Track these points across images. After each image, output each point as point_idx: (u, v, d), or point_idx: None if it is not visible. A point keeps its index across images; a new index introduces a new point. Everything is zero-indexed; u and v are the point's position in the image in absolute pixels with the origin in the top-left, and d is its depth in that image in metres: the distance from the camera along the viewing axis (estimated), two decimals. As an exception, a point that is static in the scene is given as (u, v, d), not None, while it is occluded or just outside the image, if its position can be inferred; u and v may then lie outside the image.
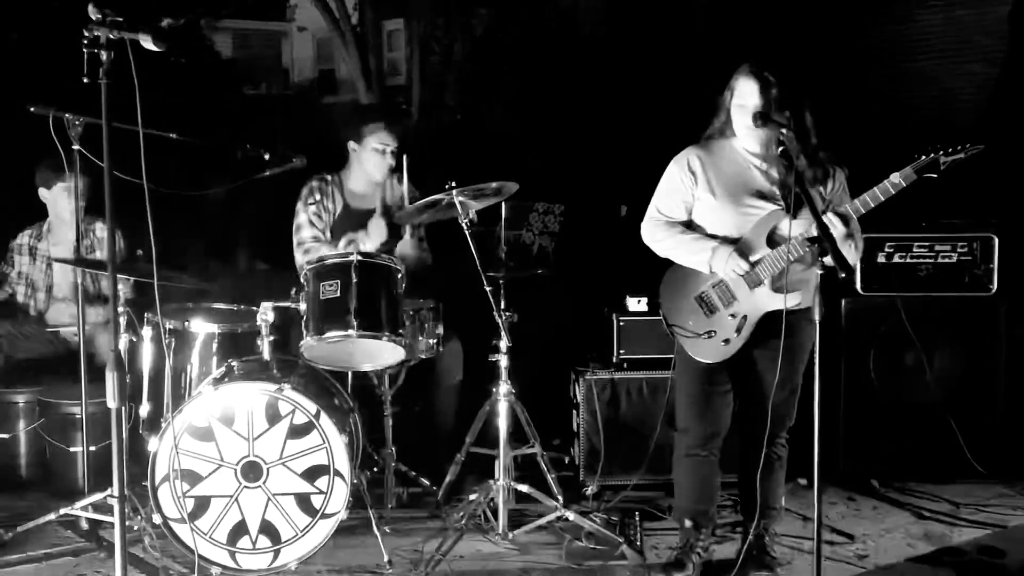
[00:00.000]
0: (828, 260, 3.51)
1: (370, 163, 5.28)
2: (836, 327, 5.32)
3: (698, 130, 4.22)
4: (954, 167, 3.78)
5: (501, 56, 12.14)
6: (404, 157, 5.13)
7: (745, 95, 3.96)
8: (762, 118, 3.85)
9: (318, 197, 5.29)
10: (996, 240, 5.34)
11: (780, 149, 3.80)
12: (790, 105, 3.91)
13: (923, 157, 3.77)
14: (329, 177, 5.34)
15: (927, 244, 5.38)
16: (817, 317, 3.56)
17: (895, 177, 3.79)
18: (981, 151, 3.76)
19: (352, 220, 5.29)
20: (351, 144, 5.31)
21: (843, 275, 3.53)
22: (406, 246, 5.24)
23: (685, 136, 4.28)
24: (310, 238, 5.22)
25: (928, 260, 5.37)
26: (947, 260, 5.37)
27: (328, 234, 5.27)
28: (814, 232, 3.61)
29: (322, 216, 5.28)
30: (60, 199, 5.48)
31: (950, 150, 3.75)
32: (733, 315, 4.10)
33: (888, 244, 5.37)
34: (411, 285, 4.74)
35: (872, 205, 3.84)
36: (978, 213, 5.51)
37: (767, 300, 4.03)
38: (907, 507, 5.16)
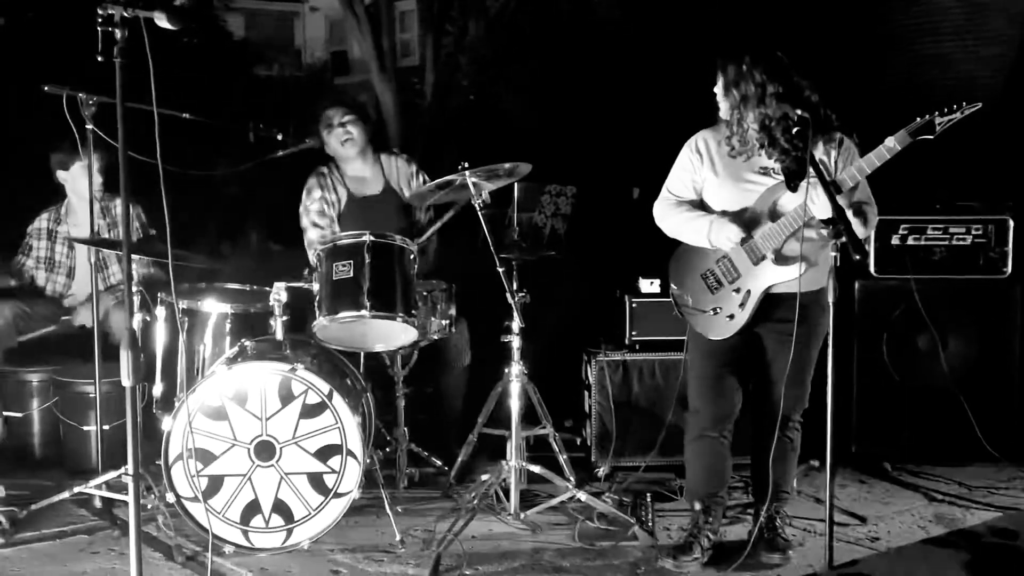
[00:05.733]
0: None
1: (333, 144, 5.30)
2: (849, 310, 5.31)
3: (712, 113, 4.21)
4: (972, 146, 3.74)
5: (515, 37, 12.11)
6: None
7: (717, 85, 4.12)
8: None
9: (319, 193, 5.29)
10: (1011, 223, 5.32)
11: (796, 130, 3.78)
12: (776, 73, 3.93)
13: (918, 119, 3.74)
14: (325, 169, 5.34)
15: (941, 226, 5.36)
16: (831, 299, 3.56)
17: (889, 141, 3.76)
18: (980, 110, 3.70)
19: (360, 207, 5.28)
20: (324, 139, 5.31)
21: (857, 256, 3.51)
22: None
23: (699, 119, 4.27)
24: (317, 239, 5.19)
25: (942, 242, 5.36)
26: (961, 243, 5.35)
27: (336, 227, 5.27)
28: (829, 213, 3.60)
29: (326, 211, 5.27)
30: (79, 179, 5.47)
31: (945, 110, 3.71)
32: (737, 290, 4.10)
33: (902, 226, 5.36)
34: (424, 267, 4.75)
35: (868, 171, 3.82)
36: (993, 195, 5.49)
37: (771, 274, 4.04)
38: (920, 490, 5.15)
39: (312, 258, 5.17)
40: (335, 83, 19.87)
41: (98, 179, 5.29)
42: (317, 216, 5.27)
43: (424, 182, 5.39)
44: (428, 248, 5.33)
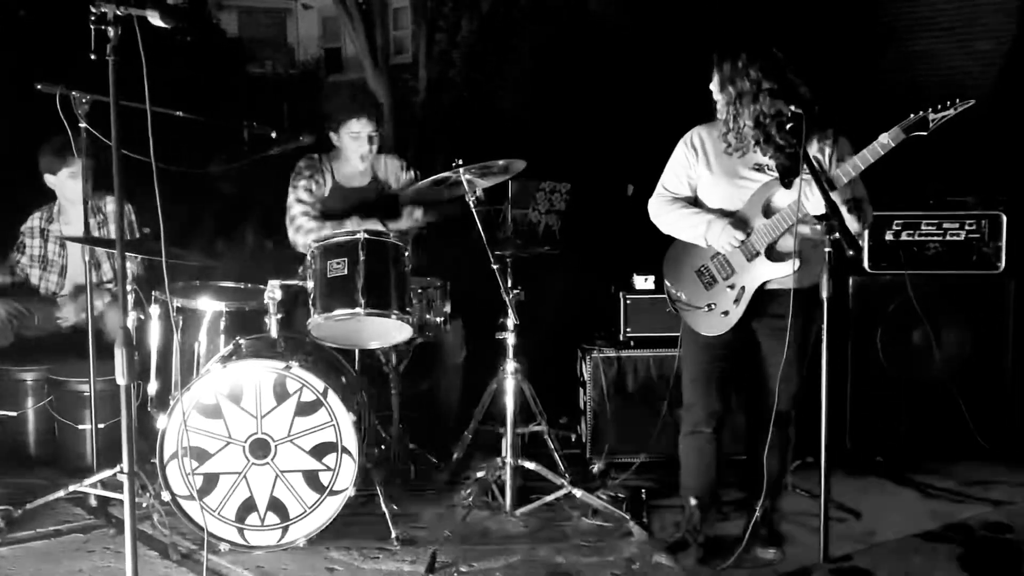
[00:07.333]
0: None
1: (349, 150, 5.26)
2: (843, 305, 5.32)
3: (707, 109, 4.21)
4: (965, 142, 3.74)
5: (508, 33, 12.11)
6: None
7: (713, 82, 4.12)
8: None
9: (308, 174, 5.27)
10: (1004, 218, 5.34)
11: (790, 126, 3.78)
12: (771, 70, 3.94)
13: (912, 116, 3.75)
14: (317, 156, 5.33)
15: (935, 222, 5.37)
16: (825, 295, 3.56)
17: (884, 138, 3.77)
18: (972, 106, 3.71)
19: (343, 199, 5.27)
20: (331, 135, 5.28)
21: (851, 252, 3.52)
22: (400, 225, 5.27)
23: (693, 115, 4.28)
24: (300, 214, 5.20)
25: (936, 238, 5.37)
26: (955, 238, 5.36)
27: (318, 207, 5.26)
28: (822, 209, 3.61)
29: (312, 190, 5.26)
30: (66, 184, 5.47)
31: (939, 107, 3.72)
32: (731, 286, 4.11)
33: (896, 222, 5.37)
34: (418, 262, 4.74)
35: (862, 167, 3.83)
36: (986, 191, 5.50)
37: (765, 270, 4.05)
38: (914, 485, 5.16)
39: (291, 234, 5.20)
40: (328, 80, 19.84)
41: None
42: (304, 193, 5.25)
43: (415, 178, 5.38)
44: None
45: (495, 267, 4.50)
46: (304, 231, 5.14)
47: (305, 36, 24.71)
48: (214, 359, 4.48)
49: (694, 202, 4.22)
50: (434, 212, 5.33)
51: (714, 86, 4.10)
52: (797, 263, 3.96)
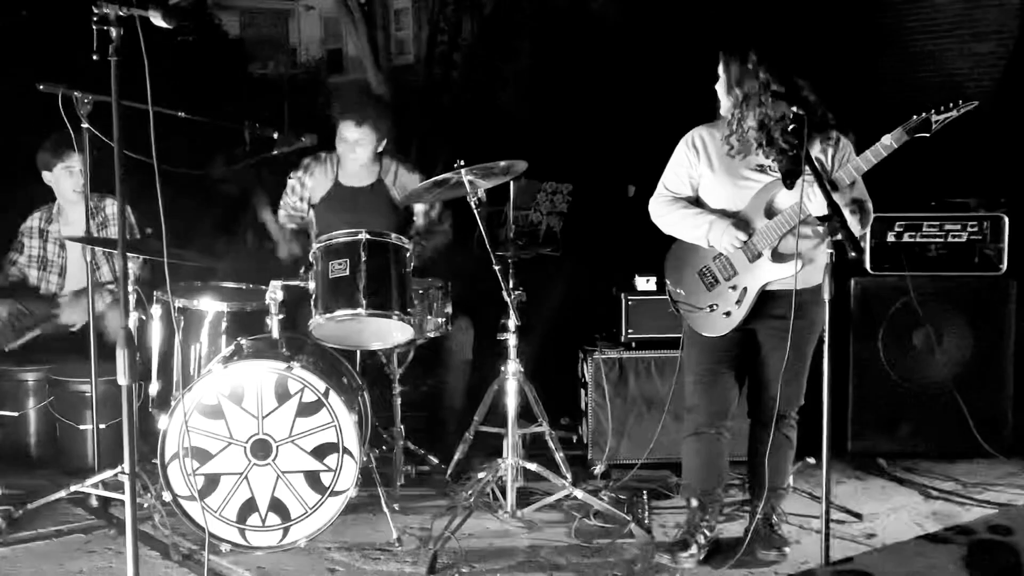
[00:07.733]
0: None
1: (339, 149, 5.29)
2: (845, 306, 5.32)
3: (708, 110, 4.21)
4: (967, 143, 3.74)
5: (510, 35, 12.11)
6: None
7: (718, 83, 4.12)
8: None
9: (300, 173, 5.38)
10: (1006, 219, 5.33)
11: (792, 128, 3.77)
12: (778, 72, 3.94)
13: (915, 117, 3.75)
14: (324, 154, 5.35)
15: (937, 223, 5.37)
16: (827, 296, 3.56)
17: (886, 139, 3.77)
18: (974, 108, 3.71)
19: (343, 198, 5.28)
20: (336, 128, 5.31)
21: (853, 254, 3.52)
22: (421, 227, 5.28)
23: (695, 115, 4.28)
24: (283, 205, 5.46)
25: (938, 239, 5.36)
26: (957, 239, 5.36)
27: (295, 208, 5.41)
28: (825, 210, 3.61)
29: (295, 190, 5.38)
30: (62, 179, 5.47)
31: (942, 108, 3.72)
32: (733, 287, 4.11)
33: (898, 223, 5.37)
34: (426, 266, 4.74)
35: (865, 168, 3.84)
36: (988, 192, 5.50)
37: (767, 271, 4.05)
38: (915, 486, 5.15)
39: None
40: (329, 81, 19.86)
41: (79, 180, 5.27)
42: (289, 192, 5.43)
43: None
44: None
45: (496, 268, 4.50)
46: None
47: (307, 37, 24.74)
48: (215, 359, 4.48)
49: (695, 202, 4.22)
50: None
51: (720, 87, 4.09)
52: (799, 264, 3.96)
